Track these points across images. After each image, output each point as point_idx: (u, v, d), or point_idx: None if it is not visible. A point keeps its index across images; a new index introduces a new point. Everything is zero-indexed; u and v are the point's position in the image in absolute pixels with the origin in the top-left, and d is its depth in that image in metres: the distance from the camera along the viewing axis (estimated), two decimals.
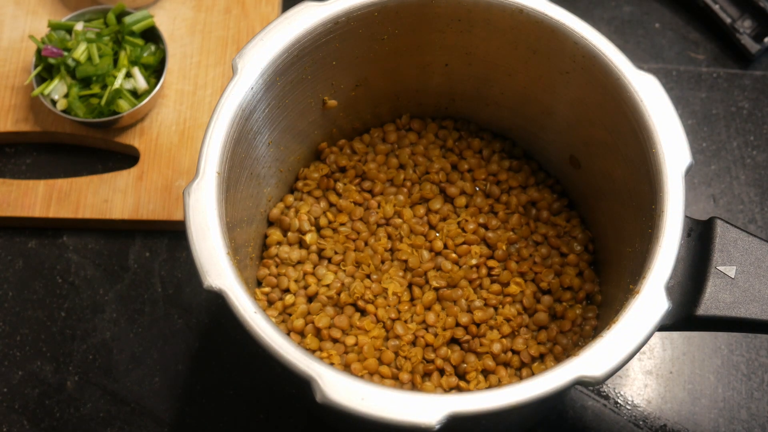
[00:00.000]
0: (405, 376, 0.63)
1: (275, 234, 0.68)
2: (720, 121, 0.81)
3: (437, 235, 0.68)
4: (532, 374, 0.63)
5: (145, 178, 0.76)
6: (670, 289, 0.51)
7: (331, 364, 0.61)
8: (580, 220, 0.69)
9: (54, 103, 0.76)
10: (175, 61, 0.80)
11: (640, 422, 0.69)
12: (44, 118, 0.78)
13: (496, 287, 0.66)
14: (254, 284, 0.66)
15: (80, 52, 0.75)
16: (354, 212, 0.69)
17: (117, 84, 0.75)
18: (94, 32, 0.77)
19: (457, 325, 0.65)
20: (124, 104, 0.75)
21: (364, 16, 0.61)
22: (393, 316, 0.65)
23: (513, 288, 0.66)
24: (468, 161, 0.71)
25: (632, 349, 0.49)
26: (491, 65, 0.66)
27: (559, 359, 0.64)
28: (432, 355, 0.64)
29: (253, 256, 0.66)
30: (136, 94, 0.76)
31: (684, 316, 0.53)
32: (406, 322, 0.65)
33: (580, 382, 0.48)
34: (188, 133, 0.78)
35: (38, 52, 0.76)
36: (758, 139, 0.80)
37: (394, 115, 0.73)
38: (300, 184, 0.70)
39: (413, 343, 0.65)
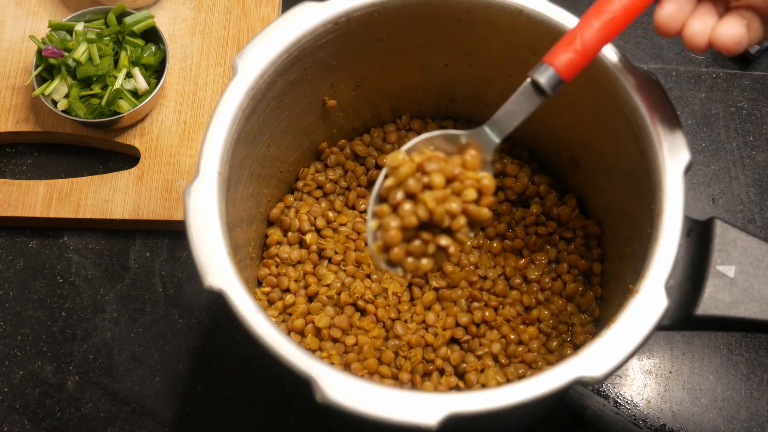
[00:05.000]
0: (405, 376, 0.63)
1: (275, 234, 0.68)
2: (719, 121, 0.81)
3: None
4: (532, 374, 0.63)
5: (146, 178, 0.76)
6: (669, 289, 0.51)
7: (331, 363, 0.61)
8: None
9: (55, 103, 0.76)
10: (175, 62, 0.80)
11: (640, 422, 0.69)
12: (45, 119, 0.78)
13: (496, 287, 0.66)
14: (254, 284, 0.66)
15: (81, 52, 0.75)
16: (354, 212, 0.69)
17: (117, 84, 0.75)
18: (95, 33, 0.77)
19: (457, 325, 0.65)
20: (124, 104, 0.75)
21: (364, 16, 0.61)
22: (393, 316, 0.65)
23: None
24: None
25: (631, 349, 0.49)
26: (491, 65, 0.66)
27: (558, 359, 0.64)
28: (432, 355, 0.64)
29: (254, 256, 0.66)
30: (137, 95, 0.77)
31: (683, 316, 0.53)
32: (406, 322, 0.65)
33: (580, 382, 0.48)
34: (189, 134, 0.78)
35: (39, 52, 0.76)
36: (757, 139, 0.80)
37: (394, 115, 0.73)
38: (300, 184, 0.70)
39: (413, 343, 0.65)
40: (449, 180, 0.52)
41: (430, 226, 0.52)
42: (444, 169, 0.51)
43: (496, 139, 0.53)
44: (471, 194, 0.51)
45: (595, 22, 0.49)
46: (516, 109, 0.52)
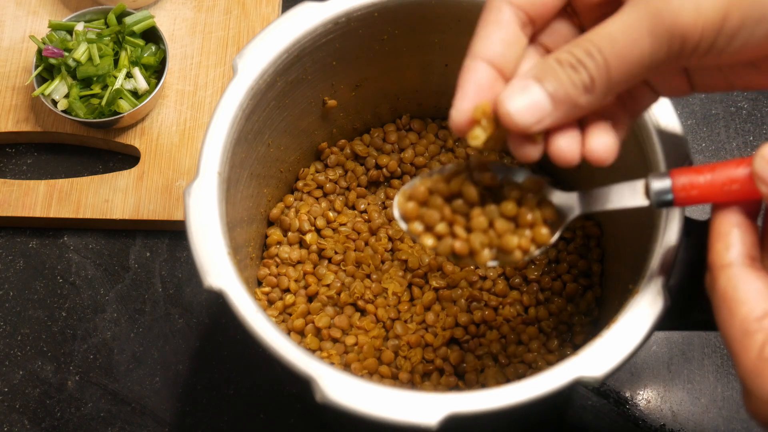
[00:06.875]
0: (405, 376, 0.63)
1: (275, 234, 0.68)
2: (719, 121, 0.81)
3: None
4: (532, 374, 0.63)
5: (146, 178, 0.76)
6: (669, 289, 0.51)
7: (331, 363, 0.61)
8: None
9: (55, 103, 0.76)
10: (175, 62, 0.80)
11: (640, 422, 0.69)
12: (45, 119, 0.78)
13: (496, 287, 0.66)
14: (254, 284, 0.66)
15: (81, 52, 0.75)
16: (354, 212, 0.69)
17: (118, 84, 0.75)
18: (95, 32, 0.77)
19: (457, 325, 0.65)
20: (124, 104, 0.75)
21: (364, 16, 0.61)
22: (393, 316, 0.65)
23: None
24: None
25: (631, 349, 0.49)
26: None
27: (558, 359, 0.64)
28: (432, 355, 0.64)
29: (254, 256, 0.66)
30: (137, 95, 0.77)
31: (683, 316, 0.53)
32: (405, 322, 0.65)
33: (580, 382, 0.48)
34: (189, 134, 0.78)
35: (39, 52, 0.76)
36: (757, 139, 0.80)
37: (394, 115, 0.73)
38: (300, 184, 0.70)
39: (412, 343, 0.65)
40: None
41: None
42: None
43: (578, 210, 0.49)
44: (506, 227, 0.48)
45: (727, 172, 0.44)
46: (615, 195, 0.48)
